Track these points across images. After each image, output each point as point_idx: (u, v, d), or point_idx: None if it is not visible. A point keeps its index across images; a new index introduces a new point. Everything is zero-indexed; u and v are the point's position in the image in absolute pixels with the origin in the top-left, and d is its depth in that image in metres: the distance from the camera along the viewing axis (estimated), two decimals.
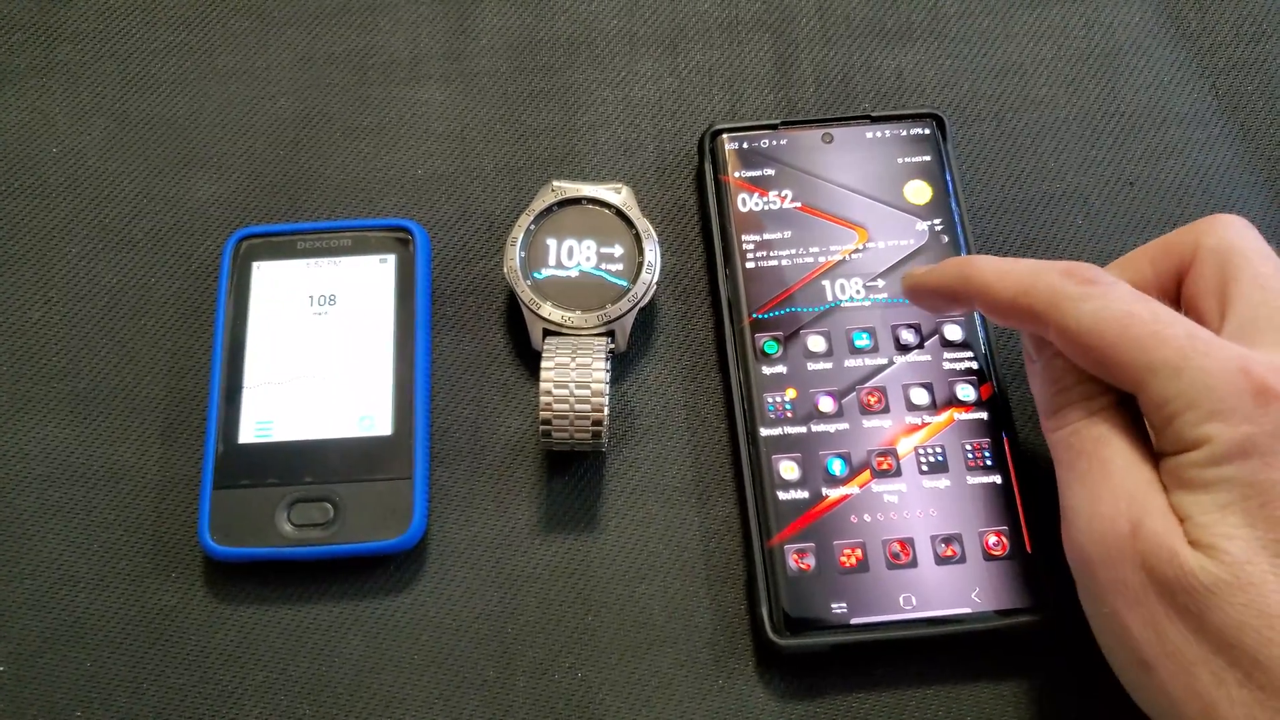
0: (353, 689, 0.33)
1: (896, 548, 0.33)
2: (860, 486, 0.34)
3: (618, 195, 0.38)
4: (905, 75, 0.43)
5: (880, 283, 0.37)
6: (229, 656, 0.34)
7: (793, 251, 0.38)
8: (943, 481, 0.34)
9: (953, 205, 0.38)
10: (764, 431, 0.35)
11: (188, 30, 0.44)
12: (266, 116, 0.42)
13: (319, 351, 0.37)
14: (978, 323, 0.37)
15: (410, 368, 0.36)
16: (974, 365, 0.36)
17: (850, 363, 0.36)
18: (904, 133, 0.40)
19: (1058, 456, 0.29)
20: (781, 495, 0.34)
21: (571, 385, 0.34)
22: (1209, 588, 0.24)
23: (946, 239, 0.38)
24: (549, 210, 0.37)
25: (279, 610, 0.35)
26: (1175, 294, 0.30)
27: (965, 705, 0.33)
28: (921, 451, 0.35)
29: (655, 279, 0.36)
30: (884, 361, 0.36)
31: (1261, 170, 0.41)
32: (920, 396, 0.36)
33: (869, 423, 0.35)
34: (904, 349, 0.36)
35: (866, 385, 0.36)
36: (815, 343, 0.36)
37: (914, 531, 0.34)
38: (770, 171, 0.39)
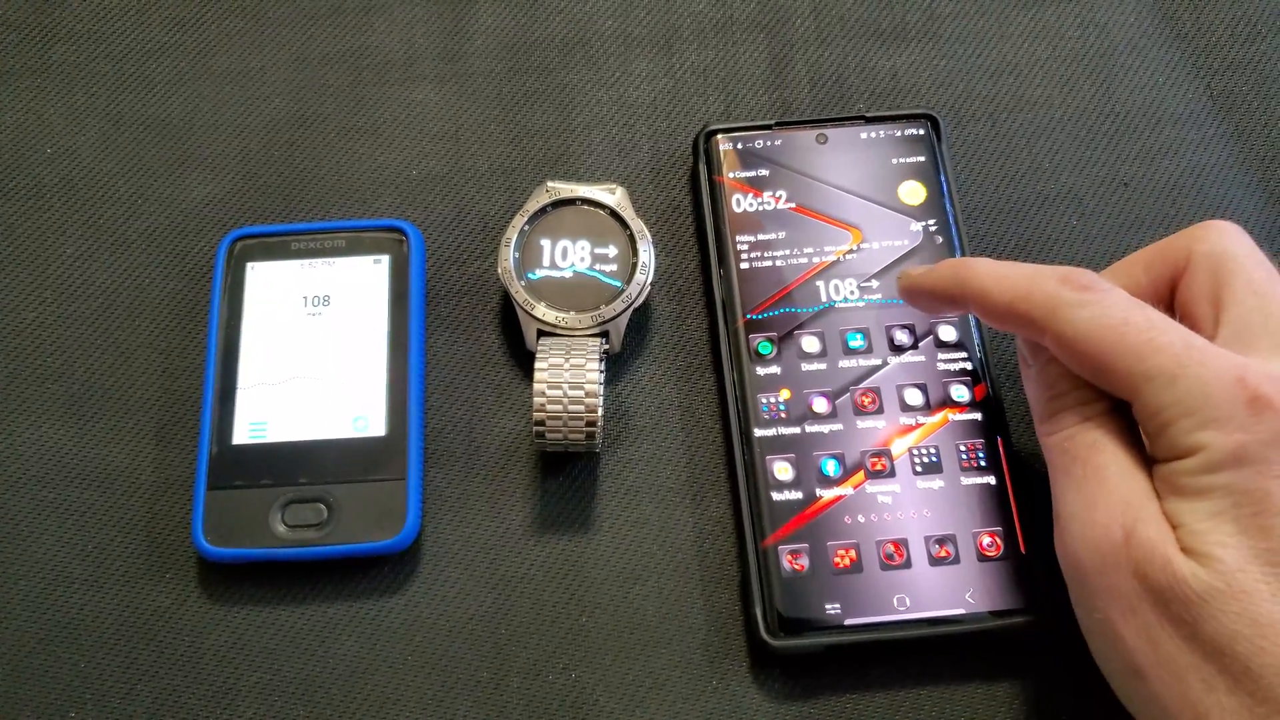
0: (346, 690, 0.33)
1: (891, 549, 0.33)
2: (854, 487, 0.34)
3: (612, 196, 0.38)
4: (900, 76, 0.43)
5: (875, 283, 0.37)
6: (223, 657, 0.34)
7: (787, 252, 0.38)
8: (937, 482, 0.34)
9: (947, 206, 0.38)
10: (758, 432, 0.35)
11: (182, 31, 0.44)
12: (261, 117, 0.42)
13: (313, 352, 0.37)
14: (972, 324, 0.37)
15: (404, 369, 0.36)
16: (968, 366, 0.36)
17: (844, 363, 0.36)
18: (898, 133, 0.40)
19: (1052, 462, 0.29)
20: (776, 496, 0.34)
21: (565, 386, 0.34)
22: (1201, 595, 0.24)
23: (941, 240, 0.38)
24: (543, 211, 0.37)
25: (273, 611, 0.35)
26: (1169, 300, 0.30)
27: (959, 706, 0.33)
28: (916, 452, 0.35)
29: (649, 280, 0.36)
30: (878, 362, 0.36)
31: (1256, 170, 0.41)
32: (914, 397, 0.36)
33: (863, 423, 0.35)
34: (898, 350, 0.36)
35: (861, 386, 0.36)
36: (809, 343, 0.36)
37: (908, 532, 0.34)
38: (765, 172, 0.39)
